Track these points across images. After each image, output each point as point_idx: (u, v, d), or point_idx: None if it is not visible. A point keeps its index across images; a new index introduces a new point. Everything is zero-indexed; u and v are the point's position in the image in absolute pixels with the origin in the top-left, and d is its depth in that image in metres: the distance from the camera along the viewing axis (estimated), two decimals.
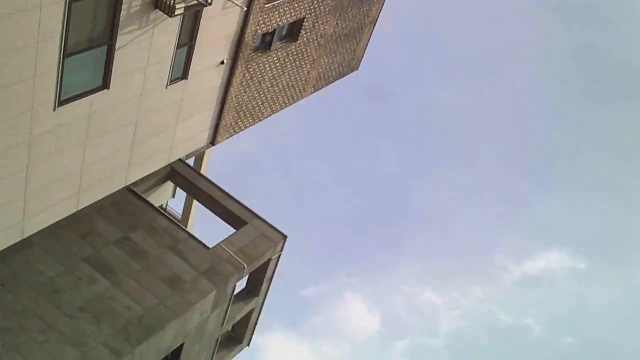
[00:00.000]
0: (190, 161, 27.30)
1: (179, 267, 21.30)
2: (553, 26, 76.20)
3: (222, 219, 24.40)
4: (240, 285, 24.08)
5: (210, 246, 22.40)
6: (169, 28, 18.45)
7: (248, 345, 27.64)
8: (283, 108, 26.29)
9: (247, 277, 24.35)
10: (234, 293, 22.89)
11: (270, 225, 23.99)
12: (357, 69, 28.82)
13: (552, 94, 76.86)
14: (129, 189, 22.53)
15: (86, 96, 17.43)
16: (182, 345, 21.58)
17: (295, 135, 75.89)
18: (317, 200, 73.55)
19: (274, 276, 25.17)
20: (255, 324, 27.01)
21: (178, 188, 26.57)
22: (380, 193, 75.66)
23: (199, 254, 21.96)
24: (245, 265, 22.29)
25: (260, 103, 24.63)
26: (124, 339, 19.14)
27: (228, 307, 22.97)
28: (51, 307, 19.05)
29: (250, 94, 23.70)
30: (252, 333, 27.40)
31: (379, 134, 78.09)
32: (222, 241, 22.73)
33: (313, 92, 27.37)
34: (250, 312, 25.86)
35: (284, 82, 25.06)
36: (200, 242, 22.31)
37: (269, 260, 23.81)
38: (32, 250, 19.90)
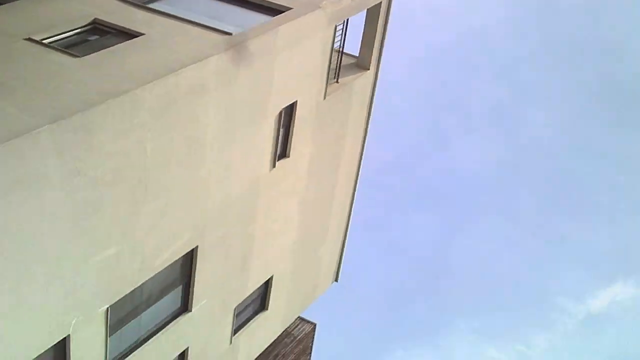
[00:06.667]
0: None
1: None
2: (557, 64, 75.00)
3: None
4: None
5: None
6: None
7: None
8: None
9: None
10: None
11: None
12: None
13: (574, 128, 74.36)
14: None
15: None
16: None
17: None
18: (353, 278, 68.24)
19: None
20: None
21: None
22: (419, 260, 70.79)
23: None
24: None
25: None
26: None
27: None
28: None
29: None
30: None
31: (406, 204, 74.18)
32: None
33: None
34: None
35: None
36: None
37: None
38: None
